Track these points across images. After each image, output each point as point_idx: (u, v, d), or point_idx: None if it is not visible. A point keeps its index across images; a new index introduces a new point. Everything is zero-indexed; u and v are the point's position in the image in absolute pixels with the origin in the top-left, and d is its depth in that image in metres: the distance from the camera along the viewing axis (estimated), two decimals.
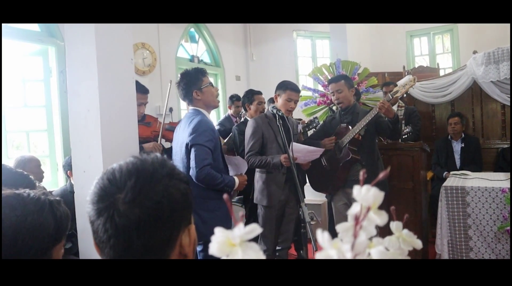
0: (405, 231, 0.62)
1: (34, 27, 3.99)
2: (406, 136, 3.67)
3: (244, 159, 2.89)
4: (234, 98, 4.64)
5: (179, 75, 2.66)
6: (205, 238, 2.67)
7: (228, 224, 2.65)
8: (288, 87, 3.04)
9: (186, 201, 0.79)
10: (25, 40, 3.89)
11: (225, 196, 0.54)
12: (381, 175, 0.51)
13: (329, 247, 0.47)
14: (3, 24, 3.74)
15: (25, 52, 3.97)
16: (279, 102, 3.04)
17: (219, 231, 0.48)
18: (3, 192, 1.03)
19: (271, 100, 3.54)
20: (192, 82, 2.55)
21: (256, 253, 0.47)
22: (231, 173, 2.77)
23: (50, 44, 3.99)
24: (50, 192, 1.11)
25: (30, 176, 1.94)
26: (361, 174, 0.52)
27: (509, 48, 4.44)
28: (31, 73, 3.98)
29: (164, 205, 0.74)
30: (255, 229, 0.48)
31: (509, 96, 4.53)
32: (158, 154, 0.81)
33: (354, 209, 0.50)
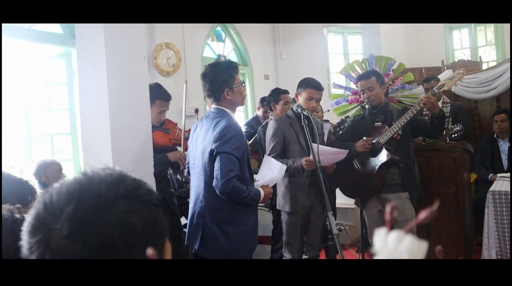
0: None
1: (57, 29, 3.95)
2: (456, 135, 3.31)
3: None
4: (265, 101, 4.41)
5: (206, 66, 2.34)
6: (228, 255, 2.26)
7: (254, 240, 2.40)
8: (308, 85, 2.81)
9: (153, 232, 0.59)
10: (48, 43, 3.86)
11: None
12: (425, 215, 0.29)
13: None
14: (26, 27, 3.72)
15: (48, 54, 3.95)
16: (300, 101, 2.83)
17: None
18: None
19: (293, 101, 3.30)
20: (224, 78, 2.26)
21: None
22: (261, 176, 2.51)
23: (73, 46, 3.92)
24: (18, 207, 0.94)
25: (30, 183, 1.81)
26: (388, 210, 0.31)
27: (510, 65, 4.07)
28: (55, 76, 3.95)
29: (116, 240, 0.54)
30: None
31: None
32: (117, 168, 0.61)
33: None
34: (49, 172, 3.13)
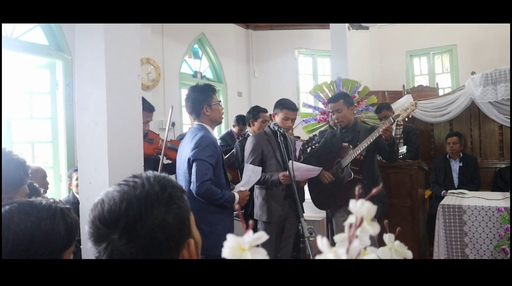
0: (397, 242, 0.68)
1: (43, 40, 4.09)
2: (401, 156, 3.72)
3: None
4: (241, 122, 4.54)
5: (189, 89, 2.70)
6: (206, 253, 2.62)
7: None
8: (284, 106, 3.10)
9: (182, 223, 0.83)
10: (33, 54, 3.99)
11: (239, 211, 0.60)
12: (375, 190, 0.57)
13: (327, 251, 0.53)
14: (13, 38, 3.84)
15: (33, 65, 4.07)
16: (277, 120, 3.11)
17: (230, 237, 0.55)
18: (17, 199, 1.10)
19: (270, 118, 3.60)
20: (203, 98, 2.63)
21: (263, 256, 0.53)
22: (243, 182, 2.83)
23: (57, 57, 4.09)
24: (60, 201, 1.18)
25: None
26: (357, 189, 0.59)
27: (509, 68, 4.51)
28: (38, 86, 4.07)
29: (159, 237, 0.78)
30: (263, 236, 0.55)
31: (507, 117, 4.60)
32: (155, 173, 0.85)
33: (350, 219, 0.57)
34: (34, 178, 3.22)
